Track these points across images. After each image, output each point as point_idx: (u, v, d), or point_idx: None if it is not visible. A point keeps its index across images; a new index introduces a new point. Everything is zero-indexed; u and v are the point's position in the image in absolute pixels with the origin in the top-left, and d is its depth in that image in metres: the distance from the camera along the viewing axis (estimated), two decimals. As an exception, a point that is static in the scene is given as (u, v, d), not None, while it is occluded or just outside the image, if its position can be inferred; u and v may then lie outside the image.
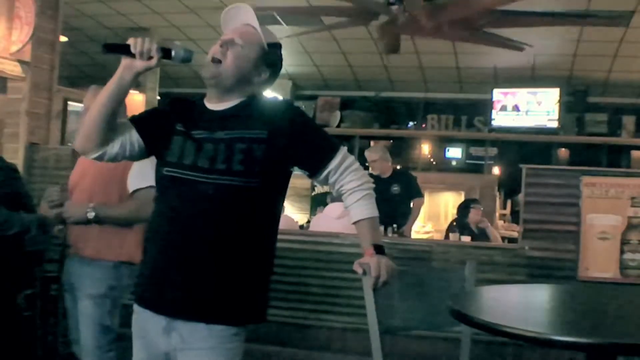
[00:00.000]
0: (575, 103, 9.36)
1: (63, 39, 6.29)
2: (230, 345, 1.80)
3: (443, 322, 2.00)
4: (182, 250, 1.80)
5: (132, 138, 1.91)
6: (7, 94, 5.57)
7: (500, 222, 8.23)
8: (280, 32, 7.99)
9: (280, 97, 8.88)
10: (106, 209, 2.73)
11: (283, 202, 1.96)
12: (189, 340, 1.79)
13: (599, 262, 4.28)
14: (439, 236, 7.06)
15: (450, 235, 5.89)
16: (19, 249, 3.15)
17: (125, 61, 1.81)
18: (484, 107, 9.57)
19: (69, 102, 7.02)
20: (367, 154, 6.40)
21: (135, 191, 2.77)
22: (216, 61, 1.88)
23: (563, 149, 9.87)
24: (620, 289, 3.58)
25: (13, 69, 5.37)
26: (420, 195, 6.20)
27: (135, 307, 1.92)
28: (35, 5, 5.45)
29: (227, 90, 1.89)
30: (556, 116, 9.14)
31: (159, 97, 9.44)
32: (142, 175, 2.70)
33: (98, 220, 2.71)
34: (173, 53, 1.83)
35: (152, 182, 2.65)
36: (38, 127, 5.59)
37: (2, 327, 3.17)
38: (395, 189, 5.98)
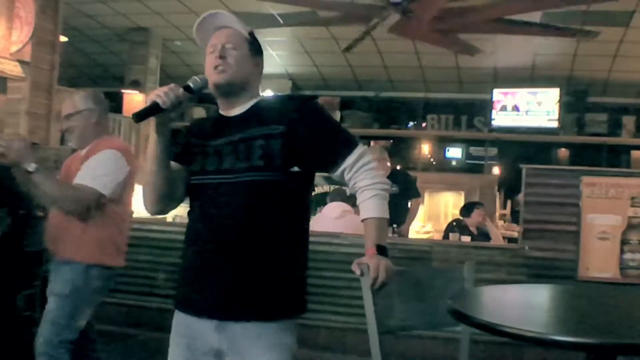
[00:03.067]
0: (575, 103, 9.37)
1: (63, 39, 6.30)
2: (283, 340, 1.82)
3: (442, 322, 2.00)
4: (220, 252, 1.82)
5: (183, 172, 1.95)
6: (7, 94, 5.57)
7: (500, 222, 8.23)
8: (281, 32, 7.99)
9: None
10: (48, 176, 2.67)
11: (310, 194, 1.98)
12: (242, 339, 1.80)
13: (599, 262, 4.28)
14: (438, 236, 7.05)
15: (450, 235, 5.89)
16: (19, 249, 3.16)
17: (158, 120, 1.82)
18: (484, 107, 9.58)
19: (69, 102, 7.01)
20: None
21: (82, 184, 2.72)
22: (221, 72, 1.89)
23: (563, 149, 9.87)
24: (620, 289, 3.58)
25: (13, 69, 5.37)
26: (418, 196, 6.20)
27: (178, 313, 1.91)
28: (35, 5, 5.46)
29: (239, 93, 1.92)
30: (556, 116, 9.14)
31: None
32: (94, 177, 2.71)
33: (32, 176, 2.62)
34: (192, 86, 1.85)
35: (101, 189, 2.68)
36: (38, 127, 5.59)
37: (2, 327, 3.17)
38: (394, 189, 5.98)
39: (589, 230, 4.30)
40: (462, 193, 8.47)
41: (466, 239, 5.57)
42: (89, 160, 2.77)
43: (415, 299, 2.01)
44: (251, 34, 1.97)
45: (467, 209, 6.20)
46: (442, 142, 10.39)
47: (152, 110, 1.77)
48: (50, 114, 5.79)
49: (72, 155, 3.04)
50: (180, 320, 1.90)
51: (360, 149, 1.89)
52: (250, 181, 1.80)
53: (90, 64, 10.47)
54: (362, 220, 1.87)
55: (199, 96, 1.81)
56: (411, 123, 10.18)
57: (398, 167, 7.92)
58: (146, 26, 8.78)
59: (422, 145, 10.35)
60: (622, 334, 1.61)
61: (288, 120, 1.83)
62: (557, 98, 9.12)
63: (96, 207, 2.71)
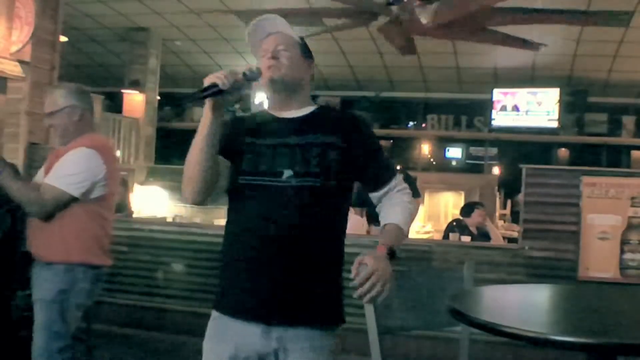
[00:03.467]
0: (575, 103, 9.37)
1: (63, 39, 6.29)
2: (330, 348, 1.84)
3: (442, 322, 2.00)
4: (271, 257, 1.80)
5: (225, 164, 1.91)
6: (7, 94, 5.57)
7: (500, 222, 8.23)
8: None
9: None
10: (13, 179, 2.60)
11: (350, 203, 2.00)
12: (290, 344, 1.80)
13: (599, 262, 4.28)
14: (438, 236, 7.05)
15: (450, 235, 5.89)
16: (18, 249, 3.15)
17: (214, 102, 1.78)
18: (484, 107, 9.58)
19: (69, 102, 7.01)
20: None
21: (45, 184, 2.65)
22: (275, 70, 1.89)
23: (563, 149, 9.88)
24: (620, 289, 3.57)
25: (13, 69, 5.37)
26: (418, 196, 6.20)
27: (216, 313, 1.89)
28: (35, 5, 5.46)
29: (292, 93, 1.93)
30: (556, 116, 9.14)
31: (158, 97, 9.45)
32: (59, 177, 2.64)
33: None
34: (248, 74, 1.84)
35: (65, 189, 2.60)
36: (38, 127, 5.59)
37: (2, 327, 3.17)
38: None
39: (589, 230, 4.30)
40: (462, 193, 8.47)
41: (466, 239, 5.56)
42: (60, 160, 2.68)
43: (415, 299, 2.01)
44: (302, 38, 1.99)
45: (467, 209, 6.19)
46: (442, 142, 10.40)
47: (211, 90, 1.75)
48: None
49: (53, 152, 2.90)
50: (219, 325, 1.87)
51: (399, 175, 1.99)
52: (305, 187, 1.82)
53: (90, 64, 10.47)
54: (384, 225, 1.90)
55: (200, 97, 1.79)
56: (411, 123, 10.19)
57: (398, 167, 7.92)
58: (146, 26, 8.78)
59: (422, 145, 10.36)
60: (622, 334, 1.61)
61: (345, 134, 1.88)
62: (557, 98, 9.12)
63: (62, 207, 2.62)
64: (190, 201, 1.87)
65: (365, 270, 1.69)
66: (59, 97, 2.76)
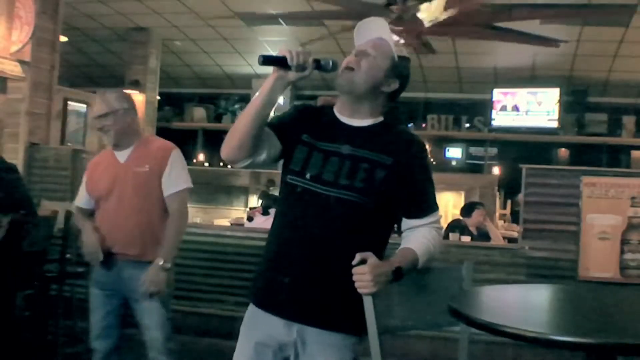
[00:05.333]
0: (575, 103, 9.37)
1: (63, 39, 6.30)
2: (352, 355, 1.88)
3: (441, 322, 2.00)
4: (298, 256, 1.87)
5: (274, 144, 1.92)
6: (7, 94, 5.57)
7: (500, 222, 8.22)
8: (282, 32, 8.00)
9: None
10: (170, 248, 2.82)
11: (391, 230, 2.01)
12: (309, 339, 1.87)
13: (599, 262, 4.28)
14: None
15: (450, 235, 5.89)
16: (18, 249, 3.16)
17: (278, 73, 1.82)
18: (484, 107, 9.58)
19: (69, 102, 7.01)
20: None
21: (170, 195, 2.85)
22: (350, 69, 1.91)
23: (563, 149, 9.88)
24: (620, 289, 3.57)
25: (13, 69, 5.37)
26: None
27: (252, 306, 1.98)
28: (35, 5, 5.46)
29: (359, 98, 1.93)
30: (556, 116, 9.14)
31: (158, 97, 9.45)
32: (175, 178, 2.84)
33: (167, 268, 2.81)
34: (322, 63, 1.86)
35: (186, 184, 2.86)
36: (38, 127, 5.59)
37: (2, 327, 3.17)
38: None
39: (589, 230, 4.30)
40: (462, 193, 8.46)
41: (466, 239, 5.56)
42: (171, 167, 2.86)
43: (414, 299, 2.01)
44: (403, 58, 1.97)
45: (467, 209, 6.19)
46: (442, 142, 10.39)
47: (278, 60, 1.79)
48: (50, 114, 5.79)
49: (101, 154, 3.07)
50: (254, 314, 1.96)
51: (438, 212, 1.98)
52: (344, 199, 1.84)
53: (90, 64, 10.47)
54: (402, 248, 1.92)
55: (261, 62, 1.81)
56: (411, 123, 10.18)
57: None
58: (146, 26, 8.78)
59: (422, 145, 10.35)
60: (622, 334, 1.61)
61: (399, 155, 1.89)
62: (557, 98, 9.12)
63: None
64: (223, 154, 1.91)
65: (363, 262, 1.77)
66: (113, 100, 2.89)
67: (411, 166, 1.91)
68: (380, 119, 1.98)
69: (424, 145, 2.01)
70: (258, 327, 1.93)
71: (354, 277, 1.77)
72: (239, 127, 1.85)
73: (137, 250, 2.82)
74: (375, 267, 1.77)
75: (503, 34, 5.99)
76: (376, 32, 1.95)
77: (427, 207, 1.95)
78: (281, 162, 1.99)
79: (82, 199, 3.01)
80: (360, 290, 1.78)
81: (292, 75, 1.83)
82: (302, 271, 1.86)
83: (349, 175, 1.86)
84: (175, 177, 2.85)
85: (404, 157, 1.90)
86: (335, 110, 1.99)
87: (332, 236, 1.85)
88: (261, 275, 1.98)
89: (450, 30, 5.96)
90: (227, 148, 1.88)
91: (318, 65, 1.84)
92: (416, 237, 1.92)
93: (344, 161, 1.88)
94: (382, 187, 1.85)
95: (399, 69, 1.96)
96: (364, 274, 1.76)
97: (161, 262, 2.77)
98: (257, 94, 1.86)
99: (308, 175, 1.88)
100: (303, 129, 1.95)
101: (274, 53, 1.85)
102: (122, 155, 2.91)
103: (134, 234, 2.82)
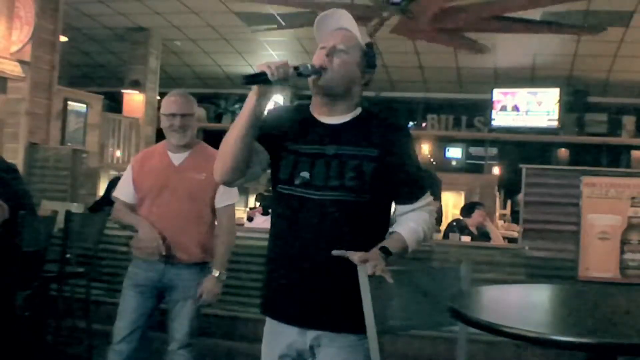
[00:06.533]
0: (575, 103, 9.38)
1: (63, 39, 6.30)
2: (366, 353, 1.86)
3: (440, 322, 1.99)
4: (301, 265, 1.86)
5: (264, 157, 1.91)
6: (7, 94, 5.58)
7: (500, 222, 8.23)
8: (282, 32, 8.00)
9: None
10: (225, 261, 2.90)
11: (390, 217, 2.00)
12: (325, 341, 1.87)
13: (599, 262, 4.28)
14: (439, 236, 7.05)
15: (450, 235, 5.89)
16: (18, 249, 3.15)
17: (260, 89, 1.79)
18: (484, 107, 9.58)
19: (69, 102, 7.03)
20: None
21: (222, 207, 2.93)
22: (324, 70, 1.86)
23: (563, 149, 9.88)
24: (620, 289, 3.57)
25: (13, 69, 5.37)
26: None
27: (269, 320, 1.98)
28: (35, 5, 5.46)
29: (337, 97, 1.90)
30: (556, 116, 9.14)
31: (158, 97, 9.46)
32: (228, 192, 2.89)
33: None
34: (301, 69, 1.83)
35: (237, 198, 2.98)
36: (38, 127, 5.60)
37: (2, 327, 3.17)
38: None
39: (589, 230, 4.30)
40: (462, 193, 8.48)
41: (466, 239, 5.56)
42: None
43: (413, 299, 2.01)
44: (369, 45, 1.94)
45: (467, 209, 6.20)
46: (442, 142, 10.40)
47: (259, 77, 1.77)
48: (50, 114, 5.79)
49: (151, 151, 3.12)
50: (272, 326, 1.96)
51: (427, 193, 1.96)
52: (339, 200, 1.83)
53: (90, 64, 10.48)
54: (391, 232, 1.92)
55: (244, 83, 1.80)
56: (411, 123, 10.18)
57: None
58: (146, 26, 8.78)
59: (422, 145, 10.36)
60: (622, 334, 1.61)
61: (383, 145, 1.86)
62: (557, 98, 9.13)
63: None
64: (218, 179, 1.91)
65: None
66: (194, 103, 2.99)
67: (397, 154, 1.88)
68: (359, 110, 1.95)
69: (407, 129, 2.00)
70: (278, 339, 1.93)
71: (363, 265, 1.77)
72: (229, 151, 1.83)
73: (185, 255, 2.86)
74: (363, 253, 1.78)
75: (503, 23, 6.01)
76: (337, 23, 1.91)
77: (417, 190, 1.94)
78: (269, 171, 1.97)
79: (127, 193, 2.99)
80: (376, 271, 1.77)
81: (274, 89, 1.82)
82: (307, 279, 1.86)
83: (338, 175, 1.83)
84: (229, 190, 2.88)
85: (389, 145, 1.87)
86: (312, 110, 1.95)
87: (332, 239, 1.83)
88: (268, 286, 1.97)
89: (451, 26, 5.97)
90: (221, 172, 1.88)
91: (298, 72, 1.82)
92: (405, 222, 1.92)
93: (330, 162, 1.85)
94: (373, 180, 1.84)
95: (370, 58, 1.94)
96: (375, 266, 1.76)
97: (217, 274, 2.84)
98: (239, 115, 1.83)
99: (297, 182, 1.86)
100: (285, 135, 1.92)
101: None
102: (177, 158, 2.93)
103: (185, 238, 2.86)
